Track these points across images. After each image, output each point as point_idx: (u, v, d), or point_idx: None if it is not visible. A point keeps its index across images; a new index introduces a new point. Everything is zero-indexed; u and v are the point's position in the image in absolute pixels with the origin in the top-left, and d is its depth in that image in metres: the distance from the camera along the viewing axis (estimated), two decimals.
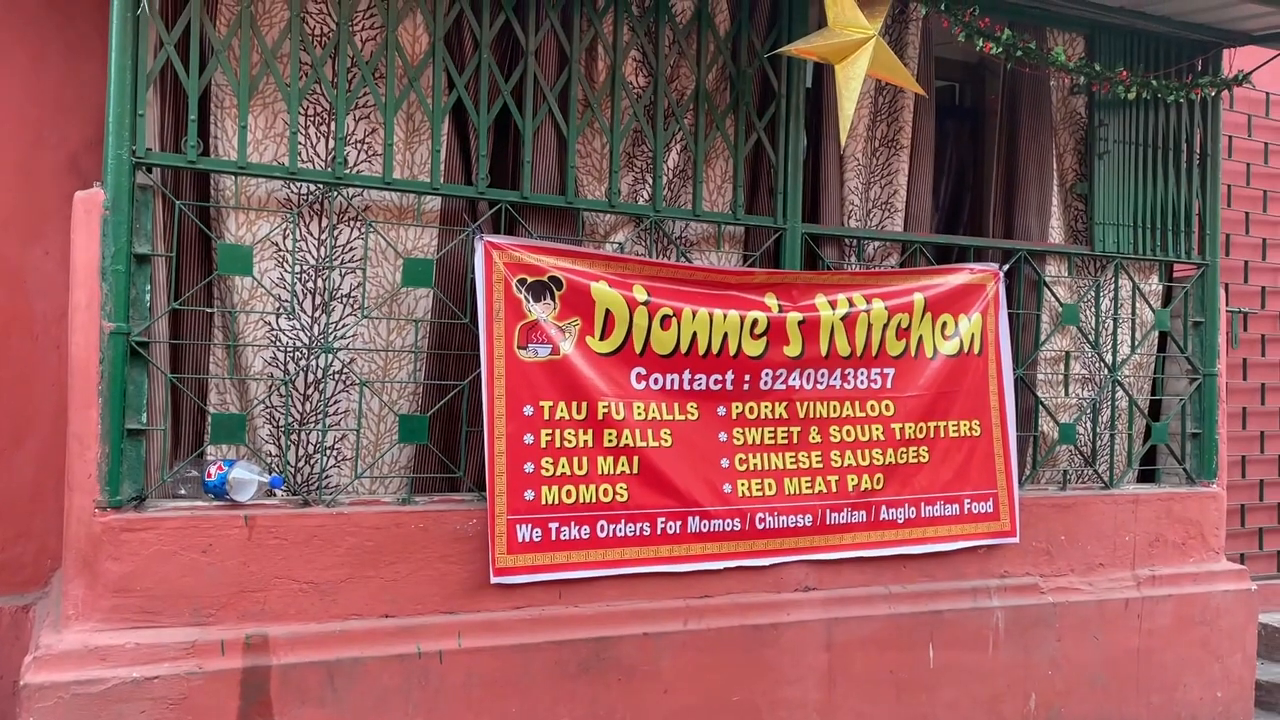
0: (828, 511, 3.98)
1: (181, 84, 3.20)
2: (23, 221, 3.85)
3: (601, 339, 3.66)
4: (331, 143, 3.43)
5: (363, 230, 3.46)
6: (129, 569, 3.01)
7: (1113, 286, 4.68)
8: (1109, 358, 4.66)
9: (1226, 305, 5.26)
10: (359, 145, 3.49)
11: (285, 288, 3.38)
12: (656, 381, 3.75)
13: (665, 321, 3.72)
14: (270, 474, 3.29)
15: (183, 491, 3.30)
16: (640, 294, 3.69)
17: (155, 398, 3.18)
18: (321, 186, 3.39)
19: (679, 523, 3.75)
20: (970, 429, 4.24)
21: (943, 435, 4.21)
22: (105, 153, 3.06)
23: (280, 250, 3.39)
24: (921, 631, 4.06)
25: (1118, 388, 4.69)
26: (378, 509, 3.37)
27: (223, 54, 3.24)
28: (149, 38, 3.12)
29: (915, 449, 4.15)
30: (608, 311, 3.64)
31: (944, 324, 4.23)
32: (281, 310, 3.37)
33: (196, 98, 3.18)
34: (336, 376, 3.46)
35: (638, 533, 3.69)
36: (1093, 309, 4.65)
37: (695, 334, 3.76)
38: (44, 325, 3.89)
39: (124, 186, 3.05)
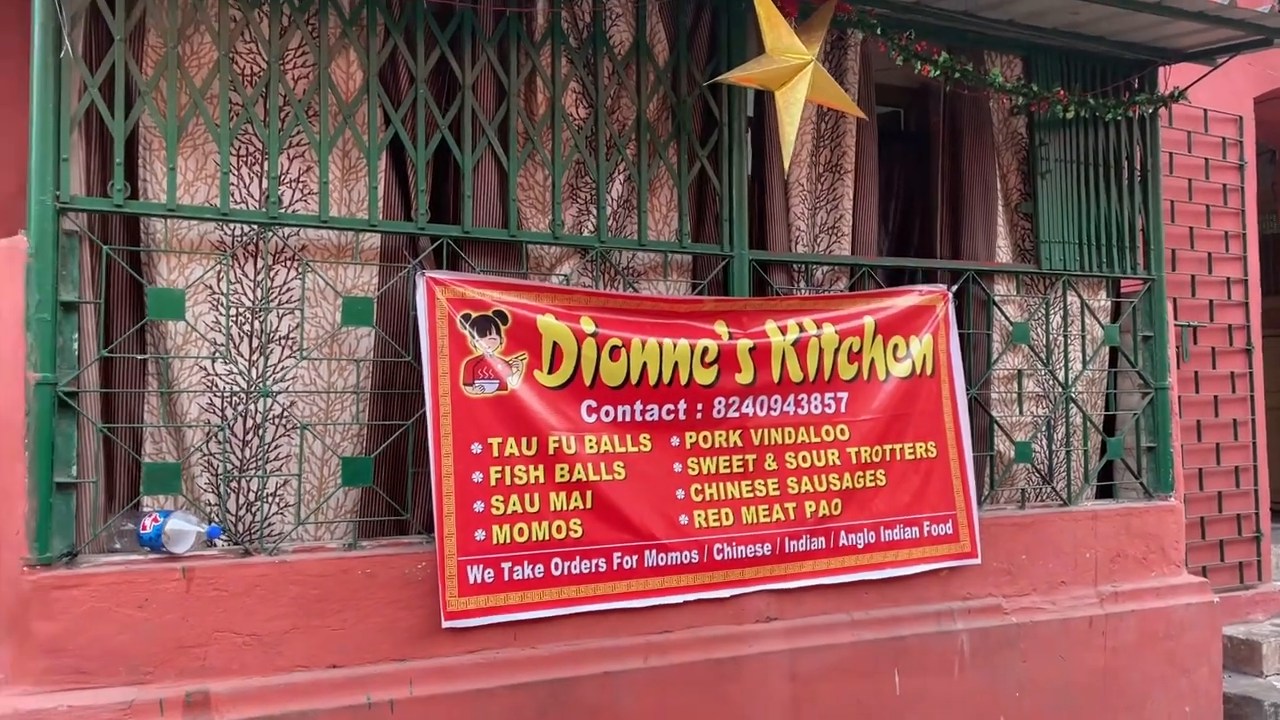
0: (786, 539, 3.92)
1: (107, 127, 3.12)
2: None
3: (550, 372, 3.60)
4: (265, 183, 3.37)
5: (300, 270, 3.39)
6: (61, 628, 2.89)
7: (1062, 304, 4.71)
8: (1061, 374, 4.67)
9: (1175, 319, 5.31)
10: (294, 184, 3.43)
11: (220, 331, 3.30)
12: (608, 414, 3.69)
13: (615, 352, 3.67)
14: (208, 524, 3.19)
15: (118, 546, 3.18)
16: (588, 325, 3.64)
17: (86, 449, 3.08)
18: (256, 227, 3.32)
19: (635, 557, 3.68)
20: (926, 450, 4.22)
21: (899, 458, 4.18)
22: (29, 199, 2.98)
23: (214, 293, 3.31)
24: (886, 658, 4.01)
25: (1071, 404, 4.70)
26: (322, 555, 3.27)
27: (149, 96, 3.17)
28: (73, 81, 3.06)
29: (872, 473, 4.12)
30: (555, 344, 3.59)
31: (895, 346, 4.22)
32: (217, 354, 3.28)
33: (123, 141, 3.11)
34: (276, 421, 3.37)
35: (593, 569, 3.62)
36: (1043, 326, 4.67)
37: (645, 364, 3.72)
38: None
39: (48, 233, 2.97)
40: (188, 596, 3.04)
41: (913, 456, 4.21)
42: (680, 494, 3.79)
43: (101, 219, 3.18)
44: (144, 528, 3.10)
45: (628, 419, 3.73)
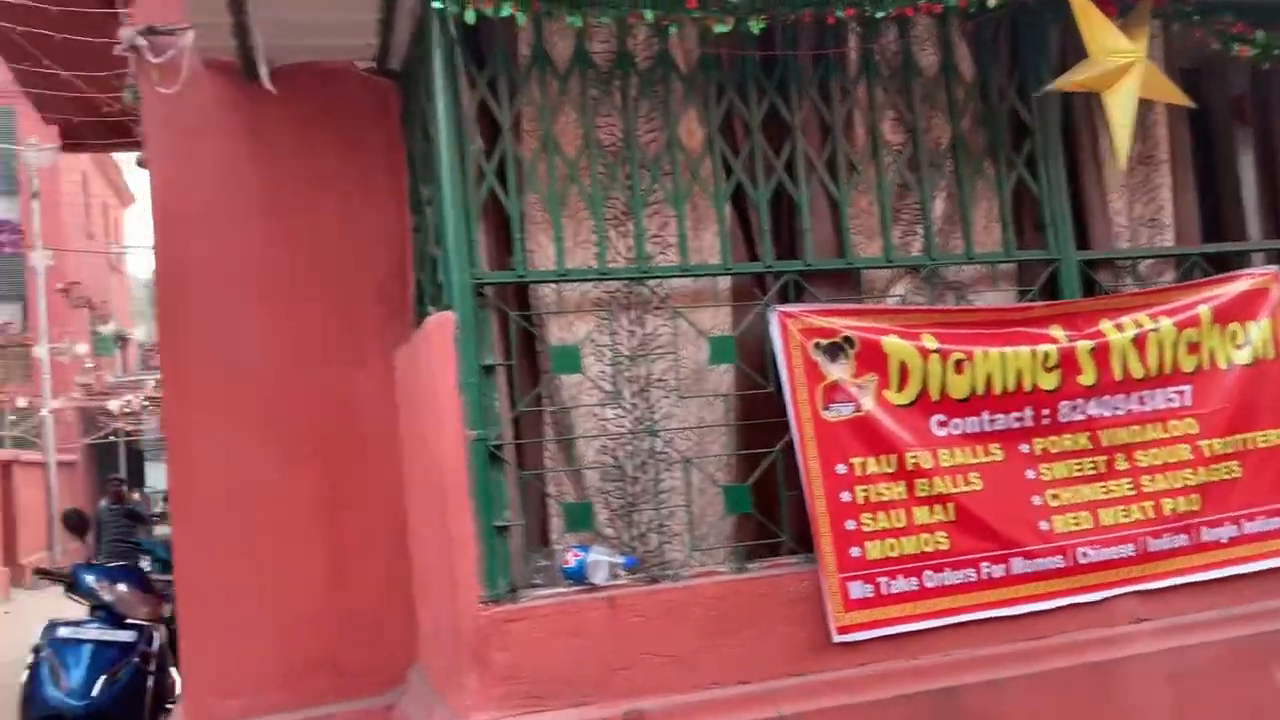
0: (1148, 539, 3.88)
1: (502, 205, 3.50)
2: (346, 348, 4.23)
3: (898, 391, 3.73)
4: (630, 241, 3.67)
5: (667, 317, 3.67)
6: (514, 657, 3.22)
7: None
8: None
9: None
10: (653, 239, 3.72)
11: (606, 379, 3.60)
12: (957, 426, 3.78)
13: (958, 366, 3.77)
14: (620, 555, 3.48)
15: (538, 580, 3.51)
16: (930, 342, 3.75)
17: (512, 496, 3.43)
18: (628, 282, 3.62)
19: (1002, 565, 3.74)
20: None
21: (1252, 447, 4.07)
22: (448, 277, 3.38)
23: (597, 345, 3.62)
24: (1267, 653, 3.88)
25: None
26: (717, 579, 3.50)
27: (533, 174, 3.53)
28: (471, 170, 3.45)
29: (1226, 465, 4.03)
30: (901, 363, 3.72)
31: (1233, 333, 4.12)
32: (606, 401, 3.59)
33: (518, 218, 3.48)
34: (659, 457, 3.64)
35: (963, 579, 3.70)
36: None
37: (989, 375, 3.79)
38: (372, 444, 4.23)
39: (469, 306, 3.35)
40: (613, 623, 3.32)
41: (1266, 444, 4.09)
42: (1037, 500, 3.83)
43: (499, 289, 3.55)
44: (566, 562, 3.41)
45: (976, 430, 3.81)
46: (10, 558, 16.80)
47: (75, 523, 6.21)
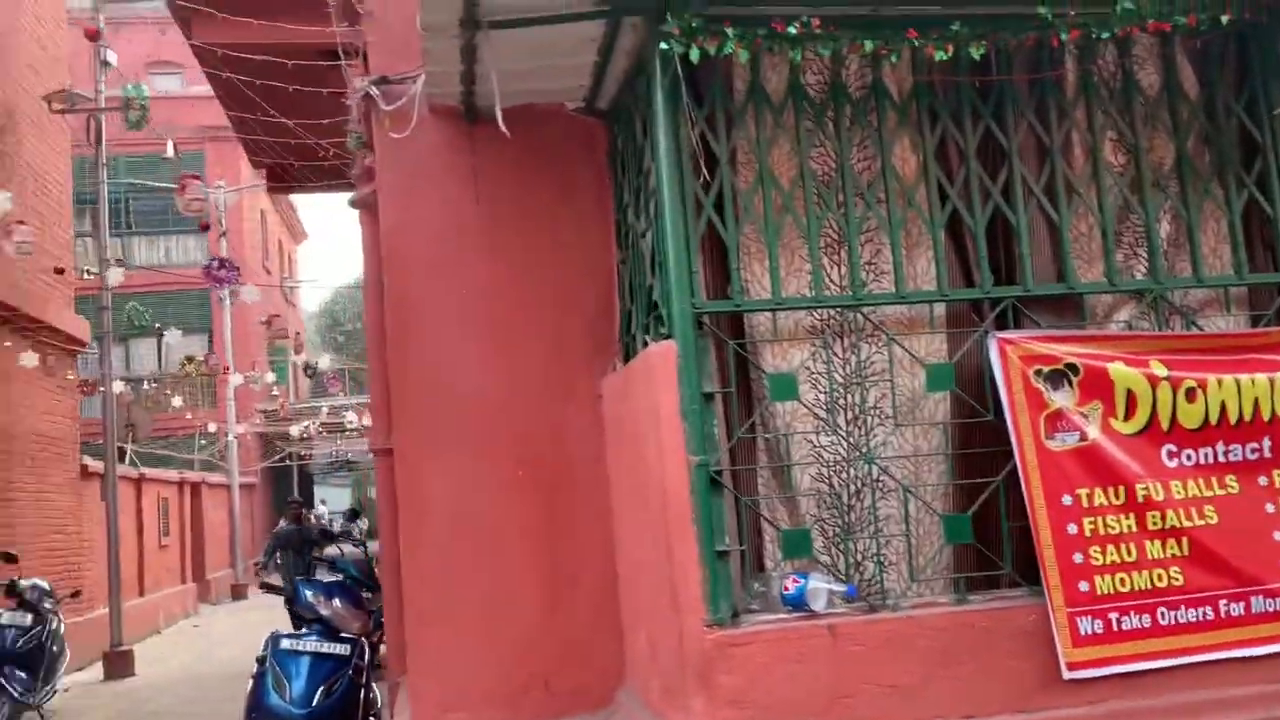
0: None
1: (717, 236, 3.58)
2: (557, 378, 4.39)
3: (1125, 419, 3.61)
4: (842, 269, 3.69)
5: (881, 345, 3.67)
6: (739, 681, 3.25)
7: None
8: None
9: None
10: (866, 266, 3.73)
11: (821, 407, 3.62)
12: (1189, 457, 3.63)
13: (1190, 394, 3.62)
14: (838, 583, 3.48)
15: (755, 606, 3.54)
16: (1159, 369, 3.62)
17: (730, 521, 3.48)
18: (842, 309, 3.64)
19: (1241, 604, 3.56)
20: None
21: None
22: (668, 307, 3.48)
23: (812, 373, 3.65)
24: None
25: None
26: (939, 610, 3.45)
27: (749, 205, 3.61)
28: (690, 203, 3.54)
29: None
30: (1128, 391, 3.60)
31: None
32: (820, 428, 3.61)
33: (736, 249, 3.56)
34: (875, 485, 3.63)
35: (1199, 617, 3.53)
36: None
37: (1224, 403, 3.63)
38: (581, 470, 4.36)
39: (689, 336, 3.43)
40: (834, 651, 3.32)
41: None
42: (1278, 536, 3.62)
43: (715, 318, 3.62)
44: (786, 588, 3.43)
45: (1210, 461, 3.64)
46: (198, 574, 17.97)
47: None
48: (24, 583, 8.24)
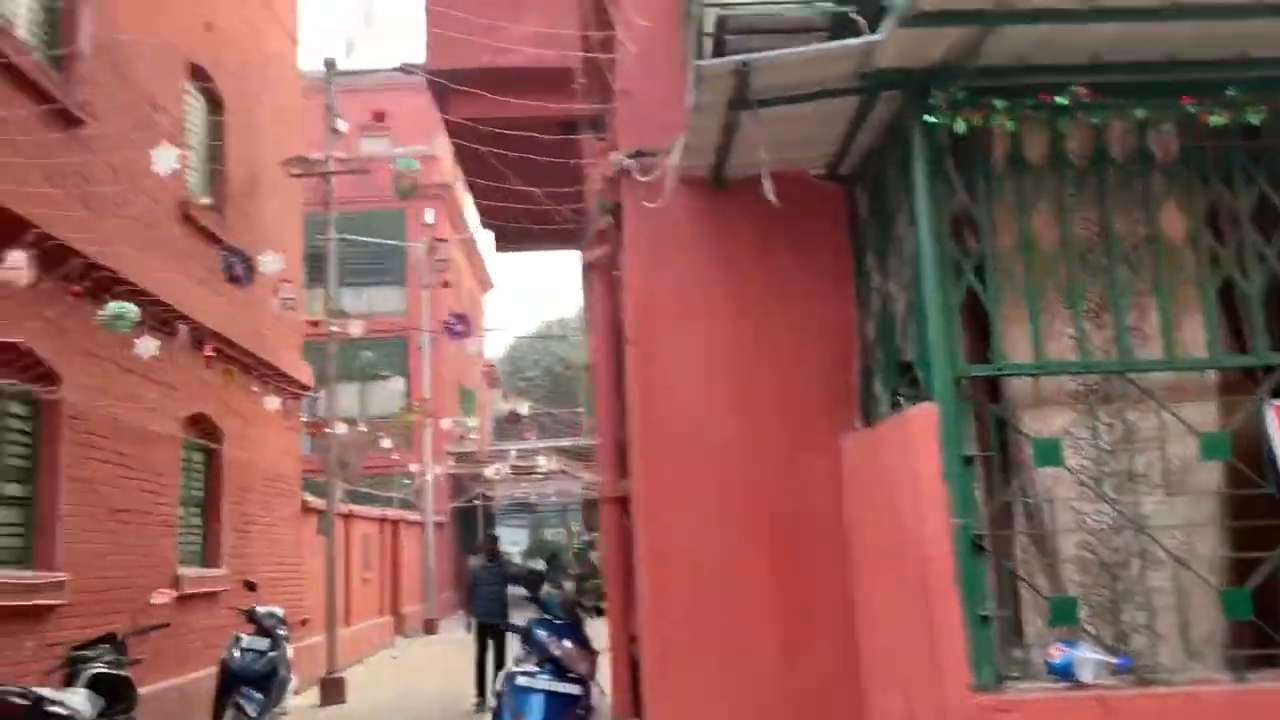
0: None
1: (976, 300, 3.63)
2: (795, 434, 4.50)
3: None
4: (1105, 333, 3.66)
5: (1149, 411, 3.60)
6: None
7: None
8: None
9: None
10: (1131, 332, 3.68)
11: (1086, 473, 3.59)
12: None
13: None
14: (1108, 654, 3.41)
15: (1015, 674, 3.51)
16: None
17: (989, 586, 3.48)
18: (1106, 375, 3.61)
19: None
20: None
21: None
22: (928, 371, 3.55)
23: (1075, 438, 3.62)
24: None
25: None
26: (1216, 688, 3.34)
27: (1010, 270, 3.65)
28: (950, 268, 3.61)
29: None
30: None
31: None
32: (1084, 495, 3.57)
33: (997, 313, 3.60)
34: (1143, 555, 3.55)
35: None
36: None
37: None
38: (819, 525, 4.45)
39: (951, 399, 3.49)
40: None
41: None
42: None
43: (971, 382, 3.65)
44: (1051, 657, 3.39)
45: None
46: (395, 607, 18.90)
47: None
48: (261, 609, 8.95)
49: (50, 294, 6.78)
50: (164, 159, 5.93)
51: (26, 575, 6.89)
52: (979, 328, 3.70)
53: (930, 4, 3.15)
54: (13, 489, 6.99)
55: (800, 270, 4.62)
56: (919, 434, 3.52)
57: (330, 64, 13.33)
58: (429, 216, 20.49)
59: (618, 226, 5.50)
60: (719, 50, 3.65)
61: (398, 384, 16.02)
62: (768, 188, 3.69)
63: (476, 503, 23.26)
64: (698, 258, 4.58)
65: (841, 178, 4.52)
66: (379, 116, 12.57)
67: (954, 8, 3.19)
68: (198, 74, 10.00)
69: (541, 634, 5.65)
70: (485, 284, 31.93)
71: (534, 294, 70.34)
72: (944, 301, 3.54)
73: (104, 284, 7.26)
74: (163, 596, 7.72)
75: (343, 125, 12.71)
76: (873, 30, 3.58)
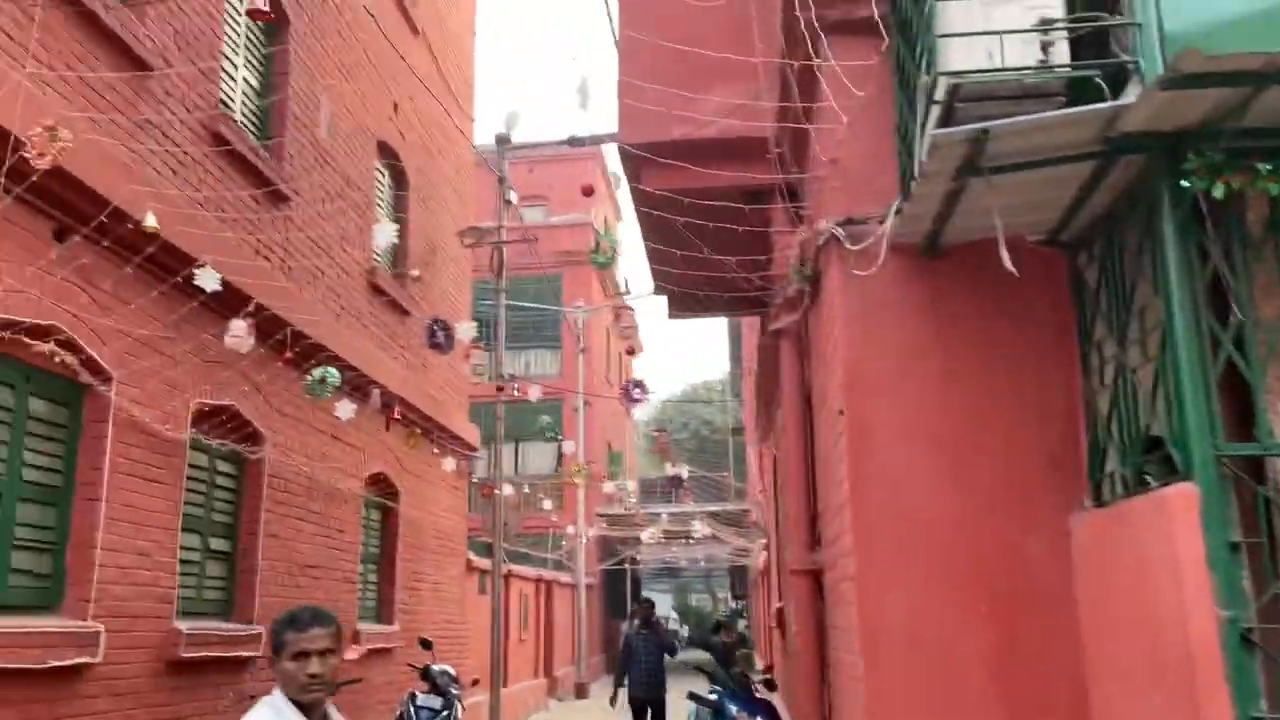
0: None
1: (1236, 373, 3.39)
2: (1016, 507, 4.29)
3: None
4: None
5: None
6: None
7: None
8: None
9: None
10: None
11: None
12: None
13: None
14: None
15: None
16: None
17: (1265, 685, 3.18)
18: None
19: None
20: None
21: None
22: (1185, 449, 3.31)
23: None
24: None
25: None
26: None
27: (1273, 341, 3.39)
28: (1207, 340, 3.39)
29: None
30: None
31: None
32: None
33: (1261, 388, 3.35)
34: None
35: None
36: None
37: None
38: (1045, 604, 4.19)
39: (1211, 479, 3.24)
40: None
41: None
42: None
43: (1233, 461, 3.39)
44: None
45: None
46: (548, 669, 18.99)
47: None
48: (436, 668, 9.13)
49: (259, 360, 7.21)
50: (384, 234, 6.26)
51: (226, 627, 7.22)
52: (1234, 403, 3.45)
53: (1193, 65, 3.00)
54: (219, 544, 7.38)
55: (1018, 338, 4.44)
56: (1179, 516, 3.28)
57: (503, 139, 13.90)
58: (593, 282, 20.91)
59: (814, 294, 5.45)
60: (947, 118, 3.58)
61: (567, 446, 16.26)
62: (1005, 256, 3.58)
63: (625, 565, 23.26)
64: (910, 326, 4.47)
65: (1064, 243, 4.34)
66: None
67: (1220, 69, 3.03)
68: (385, 151, 10.59)
69: (732, 709, 5.54)
70: (634, 349, 32.35)
71: (681, 358, 70.95)
72: (1200, 375, 3.32)
73: (307, 351, 7.67)
74: (353, 652, 7.95)
75: (513, 196, 13.18)
76: (1113, 92, 3.45)
